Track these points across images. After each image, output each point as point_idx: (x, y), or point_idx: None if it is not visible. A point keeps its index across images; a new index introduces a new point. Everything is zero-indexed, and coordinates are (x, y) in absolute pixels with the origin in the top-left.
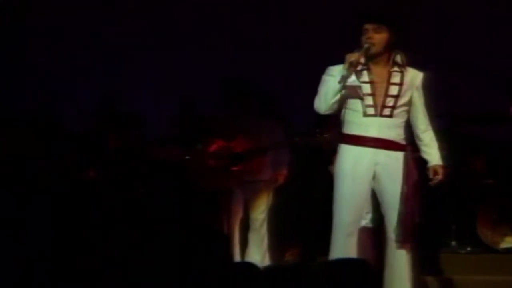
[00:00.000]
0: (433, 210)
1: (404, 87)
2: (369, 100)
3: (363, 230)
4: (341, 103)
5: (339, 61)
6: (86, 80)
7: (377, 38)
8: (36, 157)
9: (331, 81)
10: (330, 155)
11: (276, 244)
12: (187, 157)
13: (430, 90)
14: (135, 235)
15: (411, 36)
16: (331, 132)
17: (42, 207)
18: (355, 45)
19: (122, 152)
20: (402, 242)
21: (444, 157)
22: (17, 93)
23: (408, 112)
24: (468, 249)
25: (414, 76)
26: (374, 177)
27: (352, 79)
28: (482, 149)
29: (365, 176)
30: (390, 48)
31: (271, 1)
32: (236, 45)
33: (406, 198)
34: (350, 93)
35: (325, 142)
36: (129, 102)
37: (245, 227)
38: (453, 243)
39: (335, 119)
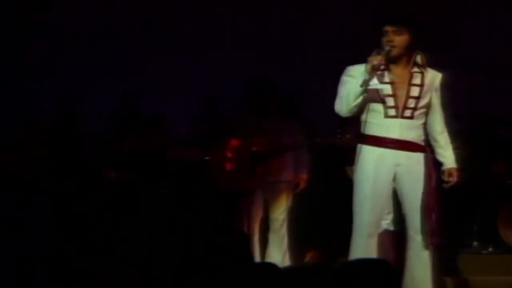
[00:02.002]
0: (454, 211)
1: (425, 88)
2: (390, 102)
3: (384, 231)
4: (362, 106)
5: (361, 61)
6: (107, 81)
7: (398, 40)
8: (55, 157)
9: (352, 83)
10: (351, 155)
11: (297, 245)
12: (207, 158)
13: (453, 91)
14: (154, 234)
15: (438, 37)
16: (352, 132)
17: (49, 207)
18: (376, 46)
19: (143, 152)
20: (430, 243)
21: (465, 158)
22: (38, 94)
23: (427, 113)
24: (490, 249)
25: (434, 77)
26: (394, 179)
27: (374, 82)
28: (504, 150)
29: (386, 177)
30: (410, 49)
31: (295, 2)
32: (258, 46)
33: (429, 199)
34: (371, 95)
35: (346, 143)
36: (151, 103)
37: (265, 228)
38: (475, 243)
39: (356, 119)
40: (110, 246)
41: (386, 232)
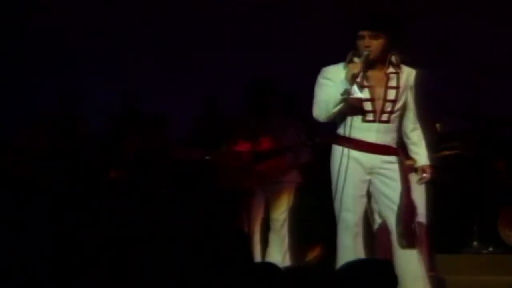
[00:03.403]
0: (454, 211)
1: (401, 90)
2: (368, 106)
3: (383, 230)
4: (341, 111)
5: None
6: (107, 81)
7: (374, 44)
8: (55, 157)
9: (330, 88)
10: None
11: (297, 245)
12: (207, 158)
13: (454, 91)
14: (155, 235)
15: (440, 37)
16: None
17: (49, 207)
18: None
19: (143, 152)
20: (406, 244)
21: (466, 157)
22: (38, 94)
23: (402, 115)
24: (490, 249)
25: (408, 75)
26: (370, 181)
27: (354, 90)
28: (504, 150)
29: (362, 178)
30: (387, 51)
31: (296, 1)
32: (258, 46)
33: (405, 201)
34: (352, 102)
35: None
36: (151, 103)
37: (266, 228)
38: (475, 243)
39: None
40: (110, 246)
41: (386, 231)
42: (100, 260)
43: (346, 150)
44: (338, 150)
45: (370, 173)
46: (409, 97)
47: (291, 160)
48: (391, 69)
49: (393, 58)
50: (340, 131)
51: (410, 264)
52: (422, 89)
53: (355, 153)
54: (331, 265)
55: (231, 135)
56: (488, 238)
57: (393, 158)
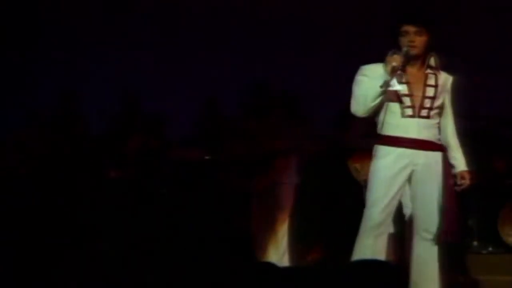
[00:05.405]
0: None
1: (439, 89)
2: (407, 101)
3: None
4: (379, 106)
5: (362, 61)
6: (108, 80)
7: (418, 41)
8: (55, 157)
9: (368, 83)
10: (352, 153)
11: (298, 245)
12: (207, 158)
13: (456, 90)
14: (155, 235)
15: (440, 37)
16: (352, 132)
17: (49, 207)
18: (379, 46)
19: (143, 152)
20: (445, 240)
21: (467, 157)
22: (38, 94)
23: (441, 113)
24: (490, 249)
25: (446, 79)
26: (410, 178)
27: (393, 83)
28: (504, 149)
29: (402, 177)
30: (427, 50)
31: (292, 2)
32: (259, 46)
33: (447, 198)
34: (389, 96)
35: (347, 143)
36: (152, 102)
37: (266, 228)
38: (475, 243)
39: (358, 120)
40: (110, 245)
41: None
42: (101, 259)
43: (385, 148)
44: (377, 148)
45: (411, 171)
46: (446, 101)
47: (292, 161)
48: (429, 70)
49: (432, 60)
50: (380, 129)
51: (430, 266)
52: None
53: (397, 151)
54: (332, 266)
55: (230, 136)
56: (488, 238)
57: (437, 154)
